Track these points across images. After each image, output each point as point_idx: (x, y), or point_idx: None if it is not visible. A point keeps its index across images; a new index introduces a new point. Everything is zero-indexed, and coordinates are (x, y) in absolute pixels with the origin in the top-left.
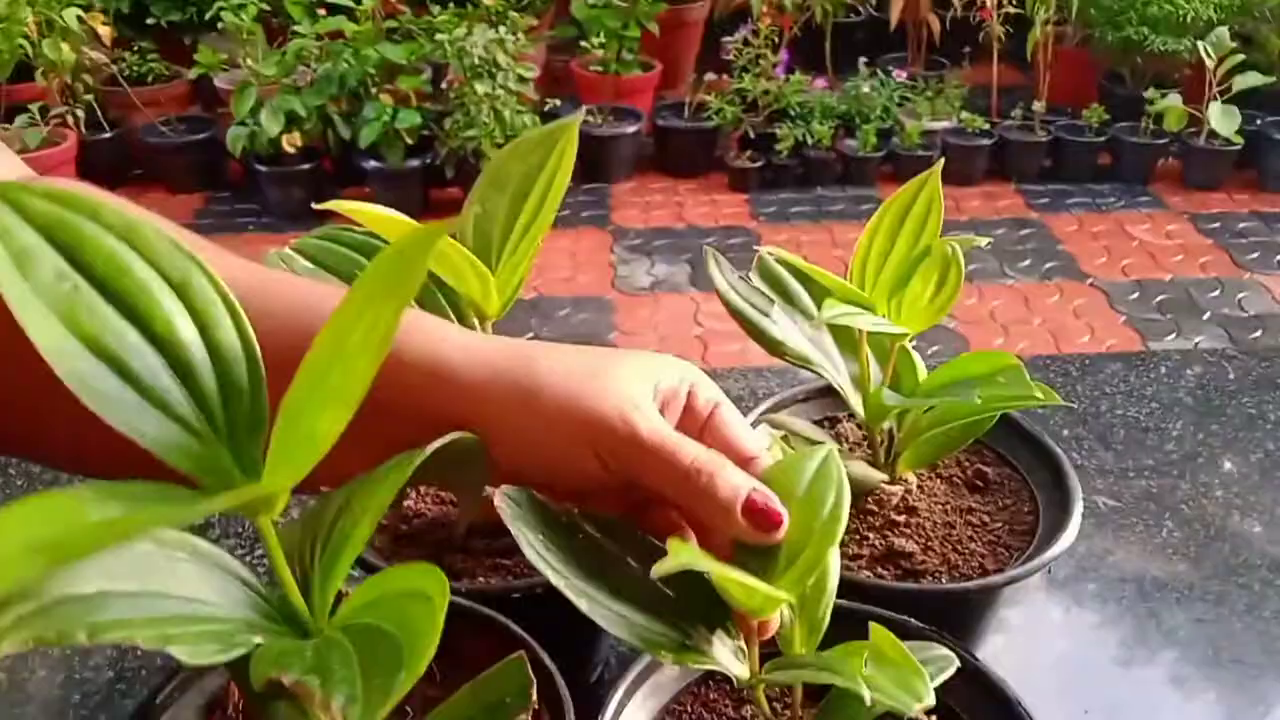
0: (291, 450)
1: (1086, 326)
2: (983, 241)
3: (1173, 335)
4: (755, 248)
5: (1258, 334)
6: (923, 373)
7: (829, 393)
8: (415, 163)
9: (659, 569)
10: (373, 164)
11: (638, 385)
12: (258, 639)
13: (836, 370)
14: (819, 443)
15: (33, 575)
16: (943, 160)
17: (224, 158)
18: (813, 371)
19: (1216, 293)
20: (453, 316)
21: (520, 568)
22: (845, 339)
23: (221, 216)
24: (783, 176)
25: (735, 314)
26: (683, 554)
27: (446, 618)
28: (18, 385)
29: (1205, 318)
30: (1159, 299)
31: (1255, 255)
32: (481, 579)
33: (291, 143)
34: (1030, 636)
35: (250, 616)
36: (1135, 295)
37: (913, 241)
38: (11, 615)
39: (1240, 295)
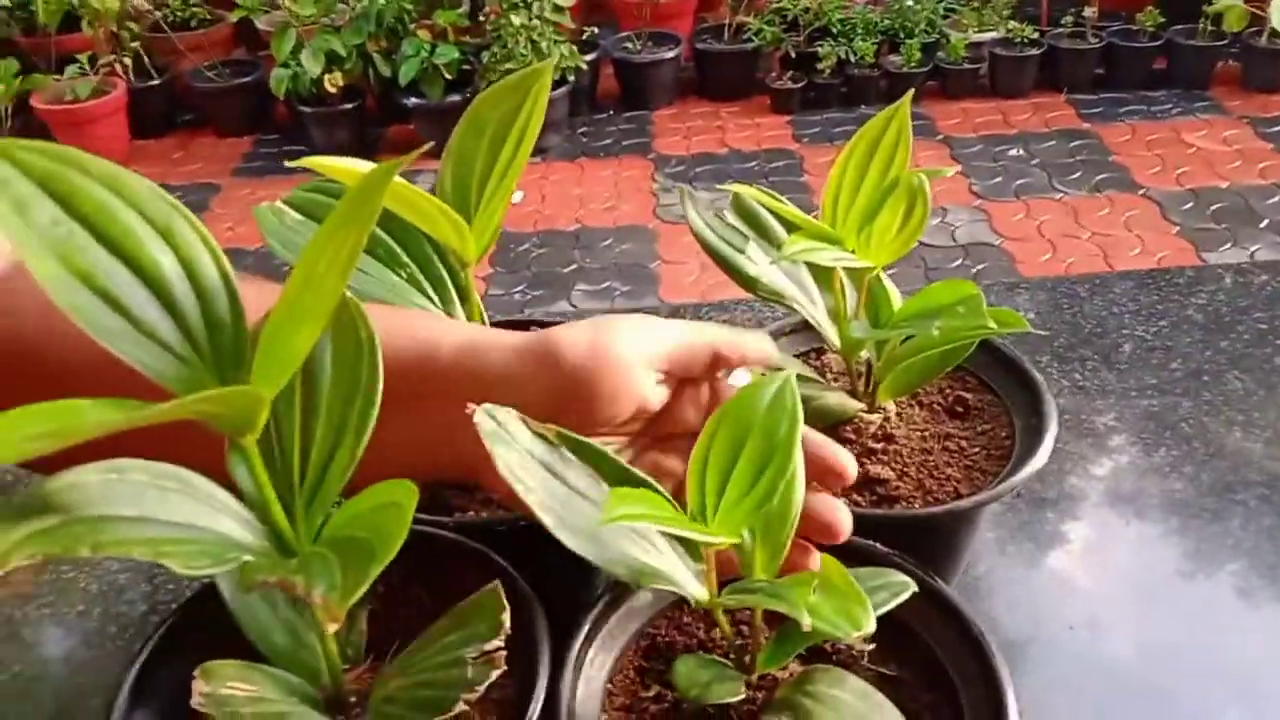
0: (273, 363)
1: (1137, 239)
2: (950, 170)
3: (1228, 245)
4: (800, 171)
5: None
6: (897, 302)
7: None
8: (456, 97)
9: (601, 521)
10: (414, 101)
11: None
12: (247, 556)
13: (813, 304)
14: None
15: (38, 452)
16: (911, 92)
17: (270, 100)
18: (786, 307)
19: (1276, 199)
20: (438, 263)
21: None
22: (822, 272)
23: (270, 159)
24: (826, 96)
25: (710, 251)
26: (619, 507)
27: (437, 552)
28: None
29: (1263, 225)
30: (1214, 208)
31: None
32: (472, 513)
33: (333, 83)
34: (1015, 556)
35: (241, 538)
36: (1190, 205)
37: (882, 174)
38: (24, 531)
39: None
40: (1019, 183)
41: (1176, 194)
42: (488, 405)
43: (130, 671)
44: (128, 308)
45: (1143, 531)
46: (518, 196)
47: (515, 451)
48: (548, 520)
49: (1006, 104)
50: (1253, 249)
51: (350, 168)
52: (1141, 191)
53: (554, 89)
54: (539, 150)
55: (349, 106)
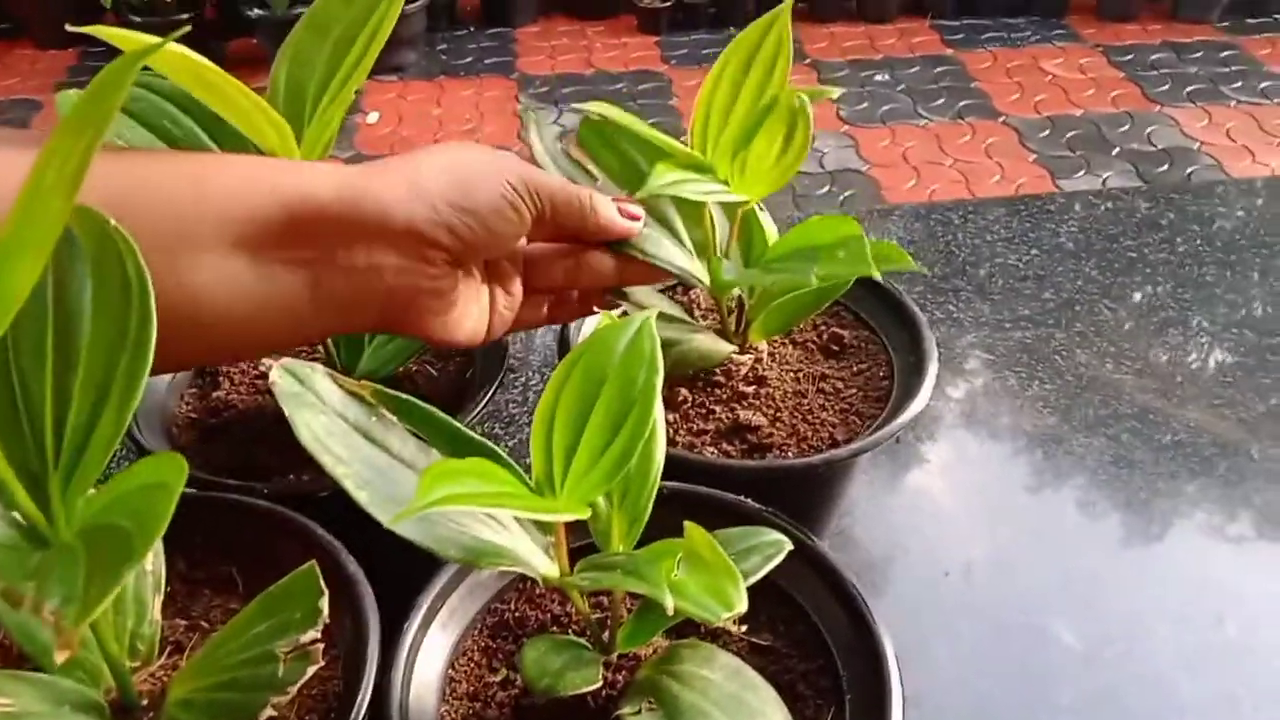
0: None
1: (997, 166)
2: (834, 92)
3: (1082, 172)
4: (670, 94)
5: (1165, 168)
6: (772, 236)
7: None
8: (303, 9)
9: (398, 517)
10: (258, 12)
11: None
12: None
13: (679, 238)
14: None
15: None
16: (791, 0)
17: (96, 9)
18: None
19: (1126, 127)
20: None
21: None
22: (689, 203)
23: (96, 74)
24: (695, 17)
25: None
26: (437, 488)
27: (250, 525)
28: None
29: (1115, 153)
30: (1070, 135)
31: (1165, 88)
32: (292, 476)
33: None
34: (895, 499)
35: None
36: (1046, 132)
37: (758, 92)
38: None
39: (1150, 129)
40: (885, 108)
41: (1034, 121)
42: (286, 361)
43: None
44: None
45: (1014, 466)
46: (373, 117)
47: (323, 416)
48: (361, 497)
49: (874, 29)
50: (1104, 175)
51: (138, 38)
52: (1001, 119)
53: (410, 2)
54: (395, 68)
55: (185, 17)
